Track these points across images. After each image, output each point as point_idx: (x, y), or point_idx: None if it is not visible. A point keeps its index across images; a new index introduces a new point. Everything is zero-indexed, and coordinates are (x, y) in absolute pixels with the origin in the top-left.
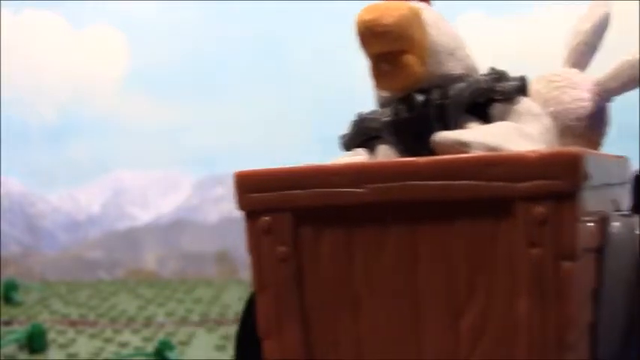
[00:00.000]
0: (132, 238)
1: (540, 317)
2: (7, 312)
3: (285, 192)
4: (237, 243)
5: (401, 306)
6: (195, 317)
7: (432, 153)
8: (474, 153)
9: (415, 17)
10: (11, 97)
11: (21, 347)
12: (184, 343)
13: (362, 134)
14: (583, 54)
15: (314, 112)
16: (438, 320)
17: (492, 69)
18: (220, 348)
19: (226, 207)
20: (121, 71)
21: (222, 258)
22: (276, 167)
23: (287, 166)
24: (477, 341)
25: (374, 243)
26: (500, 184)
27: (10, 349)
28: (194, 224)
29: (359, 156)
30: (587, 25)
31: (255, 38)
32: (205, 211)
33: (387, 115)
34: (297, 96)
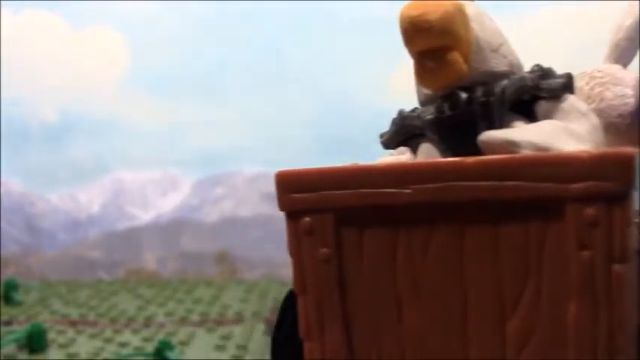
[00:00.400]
0: (132, 238)
1: (590, 321)
2: (7, 312)
3: (328, 192)
4: (237, 243)
5: (446, 309)
6: (195, 317)
7: (477, 152)
8: (524, 153)
9: (459, 13)
10: (11, 97)
11: (21, 347)
12: (184, 343)
13: (403, 133)
14: (625, 50)
15: (314, 112)
16: (484, 323)
17: (537, 65)
18: (220, 348)
19: (226, 207)
20: (121, 71)
21: (222, 258)
22: (319, 167)
23: (329, 165)
24: (524, 345)
25: (419, 245)
26: (551, 185)
27: (10, 349)
28: (194, 224)
29: (403, 155)
30: (629, 21)
31: (255, 38)
32: (205, 211)
33: (429, 113)
34: (297, 96)
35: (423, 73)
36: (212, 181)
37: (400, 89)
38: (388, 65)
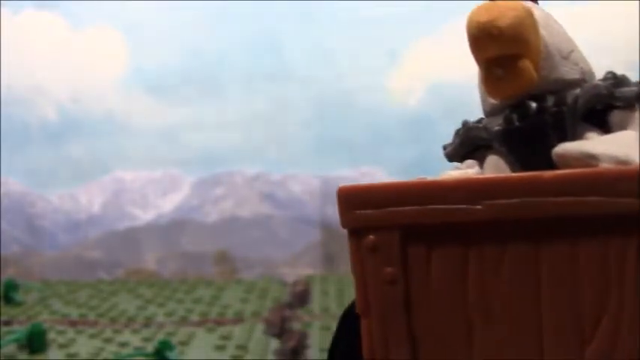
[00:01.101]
0: (132, 238)
1: None
2: (7, 312)
3: (394, 208)
4: (237, 243)
5: (520, 332)
6: (195, 317)
7: (548, 165)
8: (604, 167)
9: (529, 17)
10: (11, 97)
11: (21, 347)
12: (184, 343)
13: (468, 144)
14: None
15: (314, 112)
16: (561, 347)
17: (610, 73)
18: (220, 348)
19: (226, 207)
20: (121, 71)
21: (222, 258)
22: (384, 182)
23: (394, 180)
24: None
25: (491, 264)
26: (633, 200)
27: (10, 349)
28: (194, 224)
29: (471, 169)
30: None
31: (255, 38)
32: (205, 211)
33: (497, 124)
34: (297, 96)
35: (491, 82)
36: (212, 181)
37: (400, 89)
38: (388, 65)
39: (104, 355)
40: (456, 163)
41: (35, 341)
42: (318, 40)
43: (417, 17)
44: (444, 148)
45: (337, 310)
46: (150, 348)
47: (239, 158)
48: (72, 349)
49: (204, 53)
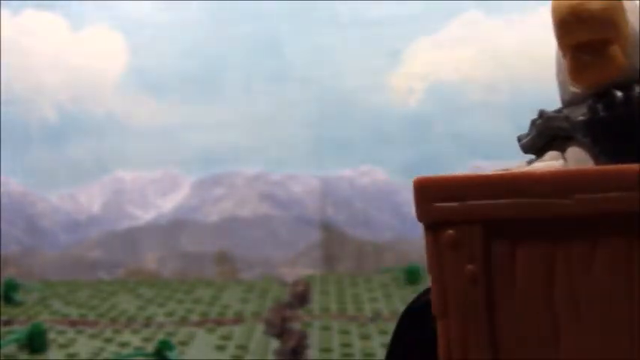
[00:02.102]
0: (132, 238)
1: None
2: (7, 312)
3: (475, 202)
4: (237, 243)
5: (612, 333)
6: (195, 317)
7: (636, 156)
8: None
9: (620, 3)
10: (11, 97)
11: (21, 347)
12: (184, 343)
13: (547, 135)
14: None
15: (314, 112)
16: None
17: None
18: (220, 348)
19: (226, 207)
20: (121, 71)
21: (222, 258)
22: (465, 173)
23: (475, 172)
24: None
25: (581, 261)
26: None
27: (10, 349)
28: (194, 224)
29: (555, 161)
30: None
31: (255, 38)
32: (205, 211)
33: (580, 114)
34: (297, 96)
35: (578, 68)
36: (212, 181)
37: (400, 89)
38: (388, 65)
39: (104, 355)
40: (531, 156)
41: (35, 341)
42: (318, 40)
43: (417, 17)
44: (519, 139)
45: (337, 310)
46: (150, 348)
47: (239, 158)
48: (72, 349)
49: (204, 53)
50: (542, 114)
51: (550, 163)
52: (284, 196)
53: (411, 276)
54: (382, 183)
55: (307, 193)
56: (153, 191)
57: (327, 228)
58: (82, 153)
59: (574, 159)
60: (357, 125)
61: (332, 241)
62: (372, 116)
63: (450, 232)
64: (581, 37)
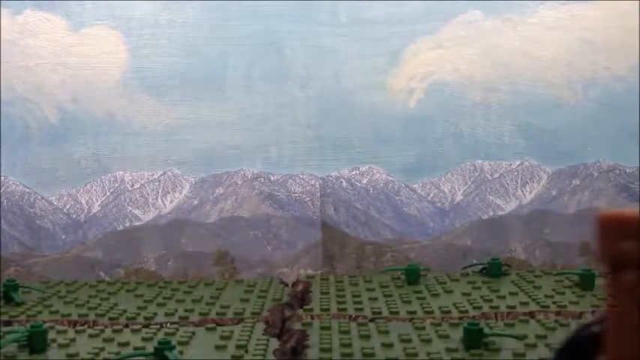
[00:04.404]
0: (132, 238)
1: None
2: (7, 312)
3: None
4: (237, 243)
5: None
6: (195, 317)
7: None
8: None
9: None
10: (11, 97)
11: (21, 347)
12: (184, 343)
13: None
14: None
15: (314, 112)
16: None
17: None
18: (220, 348)
19: (226, 207)
20: (121, 71)
21: (222, 258)
22: None
23: None
24: None
25: None
26: None
27: (10, 349)
28: (194, 224)
29: None
30: None
31: (255, 38)
32: (205, 211)
33: None
34: (296, 96)
35: None
36: (212, 181)
37: (400, 89)
38: (388, 65)
39: (104, 355)
40: None
41: (35, 341)
42: (318, 40)
43: (417, 17)
44: None
45: (337, 310)
46: (150, 348)
47: (239, 158)
48: (72, 349)
49: (204, 53)
50: None
51: None
52: (284, 196)
53: (411, 276)
54: (382, 183)
55: (307, 193)
56: (153, 191)
57: (327, 228)
58: (82, 153)
59: None
60: (357, 125)
61: (332, 241)
62: (372, 116)
63: (632, 276)
64: None
